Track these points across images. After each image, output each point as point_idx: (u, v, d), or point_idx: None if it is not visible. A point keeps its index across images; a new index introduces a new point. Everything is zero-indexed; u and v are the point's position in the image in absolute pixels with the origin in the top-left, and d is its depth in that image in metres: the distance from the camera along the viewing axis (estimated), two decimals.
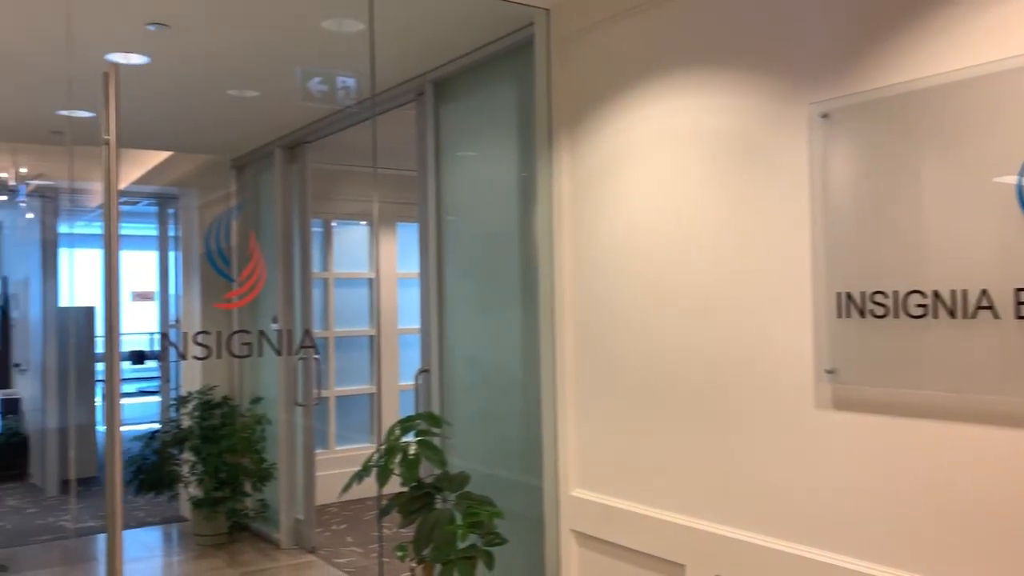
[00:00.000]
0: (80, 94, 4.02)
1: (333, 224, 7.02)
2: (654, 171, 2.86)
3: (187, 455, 5.82)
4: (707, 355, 2.66)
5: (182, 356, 6.01)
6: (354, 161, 6.50)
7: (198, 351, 3.91)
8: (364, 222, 7.25)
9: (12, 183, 6.36)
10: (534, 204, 3.46)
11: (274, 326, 5.68)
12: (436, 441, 3.39)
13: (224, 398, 6.16)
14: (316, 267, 6.82)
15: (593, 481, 3.13)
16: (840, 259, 2.27)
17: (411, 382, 7.07)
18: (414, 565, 3.26)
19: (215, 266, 4.15)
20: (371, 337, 7.15)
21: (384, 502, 3.40)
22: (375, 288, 7.19)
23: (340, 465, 6.81)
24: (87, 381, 7.92)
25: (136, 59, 3.68)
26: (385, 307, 7.17)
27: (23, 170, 6.28)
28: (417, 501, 3.31)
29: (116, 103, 2.34)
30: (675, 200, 2.78)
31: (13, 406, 8.50)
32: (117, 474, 2.35)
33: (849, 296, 2.25)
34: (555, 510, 3.26)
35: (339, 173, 6.77)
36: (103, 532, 6.09)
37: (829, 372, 2.31)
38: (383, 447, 3.35)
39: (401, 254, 7.28)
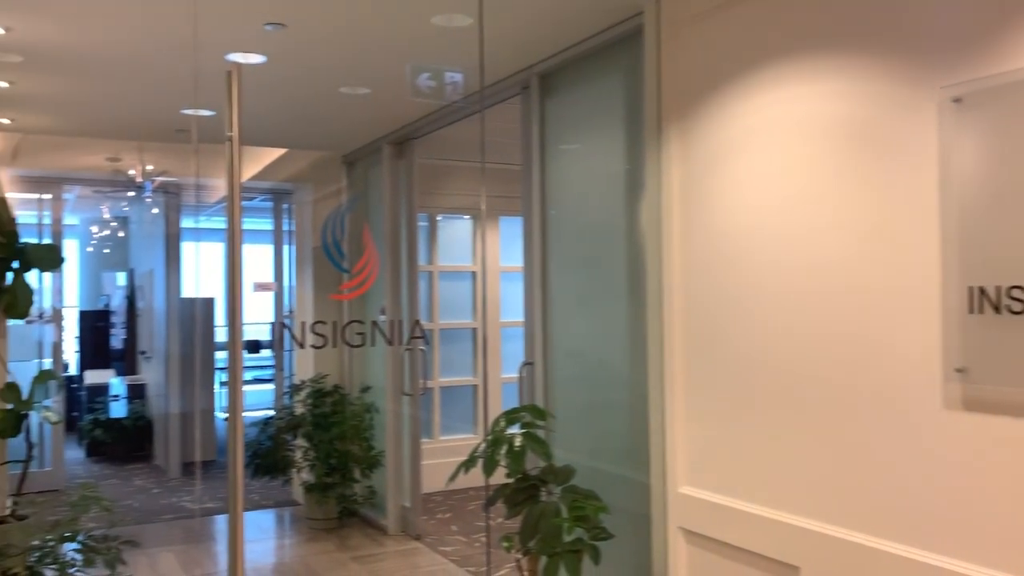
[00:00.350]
0: (202, 94, 4.21)
1: (438, 218, 7.13)
2: (768, 161, 2.78)
3: (300, 441, 6.04)
4: (825, 351, 2.57)
5: (300, 345, 6.25)
6: (458, 156, 6.59)
7: (315, 340, 4.04)
8: (468, 216, 7.34)
9: (139, 179, 6.73)
10: (641, 196, 3.41)
11: (382, 317, 5.82)
12: (540, 434, 3.39)
13: (335, 387, 6.36)
14: (421, 260, 6.94)
15: (702, 479, 3.07)
16: (973, 252, 2.15)
17: (513, 375, 7.14)
18: (519, 556, 3.28)
19: (331, 258, 4.28)
20: (474, 330, 7.24)
21: (490, 493, 3.44)
22: (479, 281, 7.26)
23: (444, 455, 6.92)
24: (207, 368, 8.32)
25: (254, 59, 3.82)
26: (488, 300, 7.24)
27: (149, 167, 6.63)
28: (522, 493, 3.33)
29: (239, 101, 2.43)
30: (791, 191, 2.69)
31: (139, 391, 9.01)
32: (239, 458, 2.45)
33: (982, 291, 2.12)
34: (662, 507, 3.22)
35: (444, 168, 6.87)
36: (222, 513, 6.40)
37: (959, 371, 2.19)
38: (489, 438, 3.38)
39: (504, 248, 7.33)
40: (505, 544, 3.29)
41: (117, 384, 9.26)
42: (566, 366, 4.01)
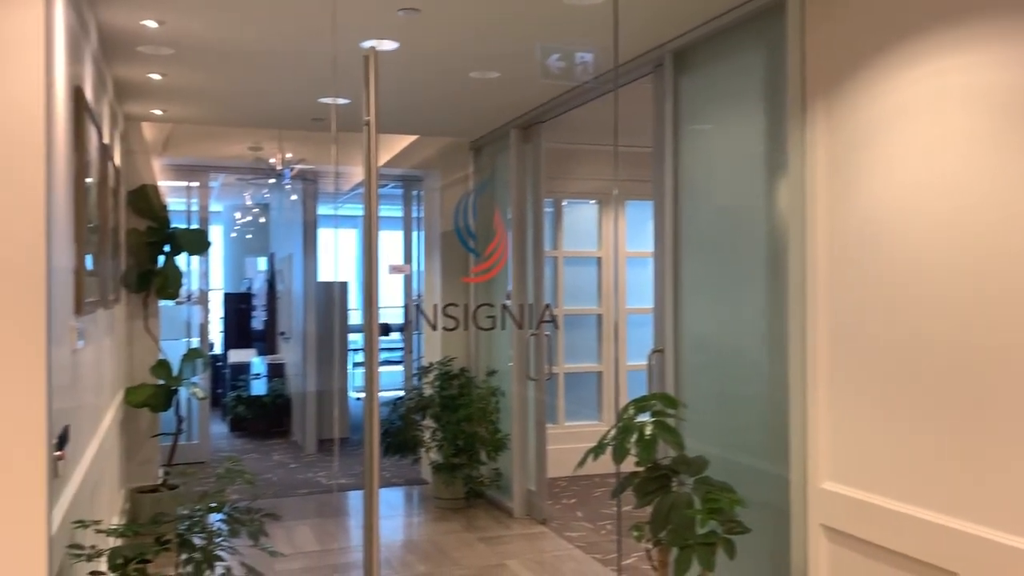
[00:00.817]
0: (337, 82, 4.32)
1: (564, 203, 7.08)
2: (924, 137, 2.58)
3: (428, 422, 6.16)
4: (989, 340, 2.36)
5: (433, 327, 6.39)
6: (585, 140, 6.51)
7: (446, 323, 4.09)
8: (593, 201, 7.26)
9: (278, 167, 7.00)
10: (781, 178, 3.25)
11: (508, 302, 5.84)
12: (671, 422, 3.31)
13: (461, 369, 6.44)
14: (547, 245, 6.91)
15: (847, 474, 2.91)
16: None
17: (638, 362, 7.04)
18: (649, 547, 3.21)
19: (463, 240, 4.31)
20: (599, 316, 7.17)
21: (618, 480, 3.38)
22: (604, 267, 7.18)
23: (569, 440, 6.89)
24: (342, 350, 8.62)
25: (387, 45, 3.88)
26: (612, 286, 7.14)
27: (288, 155, 6.89)
28: (653, 483, 3.25)
29: (376, 85, 2.45)
30: (947, 168, 2.49)
31: (279, 370, 9.44)
32: (375, 436, 2.49)
33: None
34: (803, 502, 3.07)
35: (570, 152, 6.81)
36: (356, 489, 6.62)
37: None
38: (619, 425, 3.32)
39: (630, 233, 7.21)
40: (635, 533, 3.22)
41: (258, 363, 9.74)
42: (697, 354, 3.89)
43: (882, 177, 2.75)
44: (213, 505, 2.76)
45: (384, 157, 6.98)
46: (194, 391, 5.60)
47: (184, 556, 2.69)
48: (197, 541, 2.73)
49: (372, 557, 2.56)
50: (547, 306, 5.53)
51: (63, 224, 2.69)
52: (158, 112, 5.37)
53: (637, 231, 7.22)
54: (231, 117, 5.59)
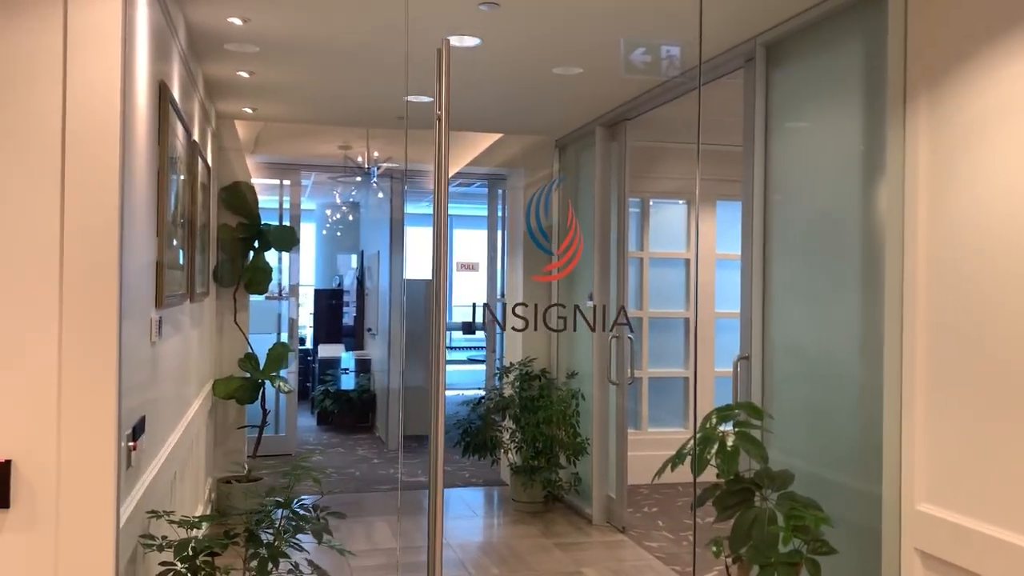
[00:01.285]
0: (419, 79, 4.30)
1: (650, 203, 6.92)
2: None
3: (508, 423, 6.10)
4: None
5: (501, 327, 6.33)
6: (673, 138, 6.34)
7: (515, 323, 4.01)
8: (681, 201, 7.06)
9: (366, 166, 7.07)
10: (879, 178, 3.04)
11: (589, 303, 5.73)
12: (756, 434, 3.14)
13: (542, 371, 6.37)
14: (632, 246, 6.77)
15: (945, 495, 2.69)
16: None
17: (727, 368, 6.80)
18: (729, 562, 3.06)
19: (533, 238, 4.21)
20: (686, 320, 6.97)
21: (699, 492, 3.23)
22: (692, 269, 6.97)
23: (651, 447, 6.72)
24: (426, 347, 8.66)
25: (469, 41, 3.83)
26: (702, 289, 6.93)
27: (375, 153, 6.95)
28: (735, 496, 3.09)
29: (447, 79, 2.39)
30: None
31: (366, 366, 9.57)
32: (439, 437, 2.44)
33: None
34: (896, 525, 2.87)
35: (658, 151, 6.65)
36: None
37: None
38: (699, 435, 3.18)
39: (720, 234, 6.98)
40: (714, 549, 3.07)
41: (347, 358, 9.90)
42: (785, 362, 3.70)
43: (988, 178, 2.53)
44: (280, 501, 2.75)
45: (469, 155, 6.96)
46: (280, 385, 5.70)
47: (251, 551, 2.70)
48: (265, 536, 2.73)
49: (435, 557, 2.50)
50: (622, 308, 5.39)
51: (143, 218, 2.73)
52: (248, 110, 5.48)
53: (728, 232, 6.99)
54: (318, 115, 5.67)
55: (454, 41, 3.77)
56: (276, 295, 7.97)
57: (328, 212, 11.54)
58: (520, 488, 5.86)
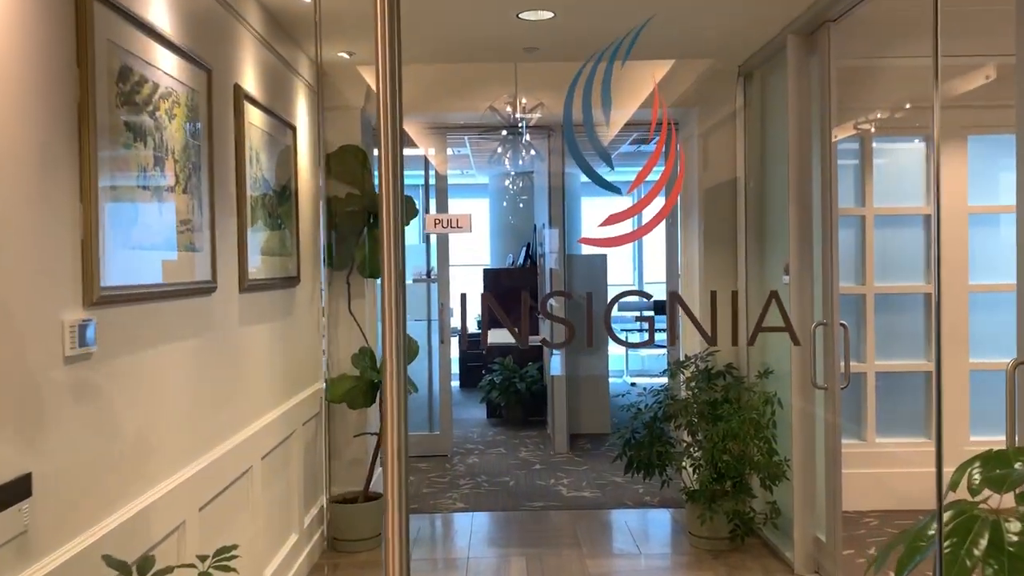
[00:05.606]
0: None
1: (872, 143, 5.23)
2: None
3: (681, 433, 4.81)
4: None
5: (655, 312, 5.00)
6: (897, 47, 4.63)
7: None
8: (918, 139, 5.33)
9: (515, 116, 5.94)
10: None
11: (785, 279, 4.27)
12: None
13: (727, 366, 4.98)
14: (847, 201, 5.16)
15: None
16: None
17: (987, 359, 5.04)
18: None
19: (577, 159, 2.59)
20: (926, 295, 5.25)
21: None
22: (933, 228, 5.23)
23: (881, 462, 5.14)
24: (600, 330, 7.47)
25: None
26: (948, 255, 5.19)
27: (522, 100, 5.80)
28: None
29: None
30: None
31: (537, 353, 8.54)
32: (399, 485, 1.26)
33: None
34: None
35: (875, 68, 4.97)
36: (601, 507, 5.43)
37: None
38: (950, 507, 1.79)
39: (974, 180, 5.19)
40: None
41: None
42: None
43: None
44: None
45: (632, 102, 5.63)
46: None
47: None
48: None
49: None
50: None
51: (28, 178, 1.77)
52: (344, 55, 4.53)
53: (985, 177, 5.19)
54: (429, 52, 4.60)
55: None
56: (425, 277, 7.10)
57: (506, 184, 10.60)
58: (696, 519, 4.53)
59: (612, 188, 2.45)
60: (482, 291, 10.02)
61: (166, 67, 2.57)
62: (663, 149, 2.60)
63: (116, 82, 2.23)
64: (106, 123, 2.17)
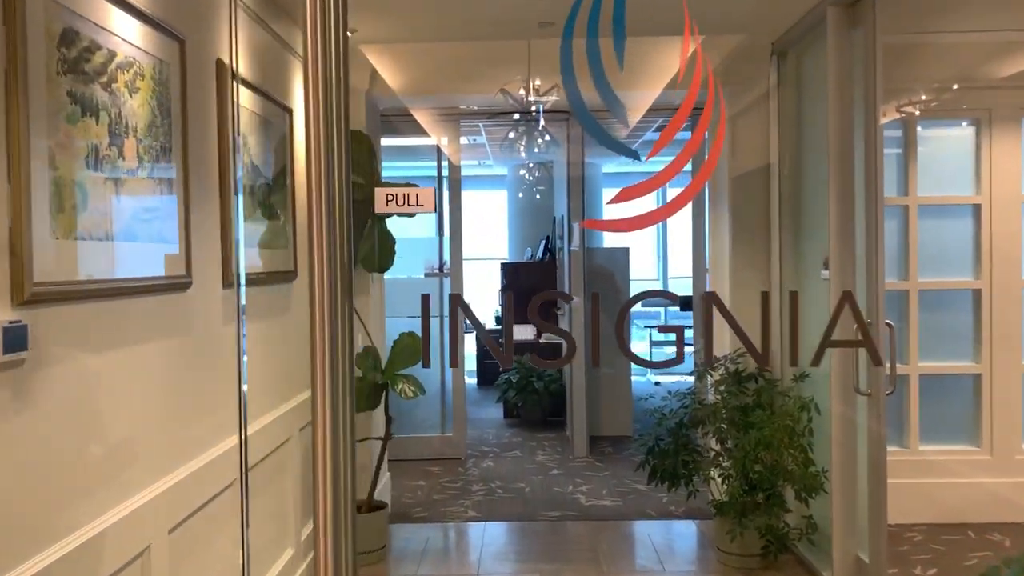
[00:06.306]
0: None
1: (918, 127, 4.84)
2: None
3: (709, 440, 4.46)
4: None
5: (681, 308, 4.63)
6: (946, 21, 4.24)
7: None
8: (967, 122, 4.93)
9: (528, 99, 5.59)
10: None
11: (824, 273, 3.90)
12: None
13: (759, 369, 4.61)
14: (891, 190, 4.78)
15: None
16: None
17: None
18: None
19: (586, 122, 2.13)
20: (976, 291, 4.86)
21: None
22: (984, 219, 4.84)
23: (927, 472, 4.77)
24: (621, 326, 7.13)
25: None
26: (1000, 247, 4.80)
27: (536, 82, 5.45)
28: None
29: None
30: None
31: (556, 351, 8.20)
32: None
33: None
34: None
35: (925, 46, 4.59)
36: (622, 518, 5.08)
37: None
38: None
39: None
40: None
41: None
42: None
43: None
44: None
45: (656, 82, 5.27)
46: (403, 389, 4.44)
47: None
48: None
49: None
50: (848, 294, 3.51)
51: None
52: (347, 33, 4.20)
53: None
54: (433, 30, 4.26)
55: None
56: (437, 272, 6.79)
57: (523, 174, 10.26)
58: (724, 534, 4.18)
59: (627, 151, 2.02)
60: (501, 288, 9.70)
61: (126, 34, 2.26)
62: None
63: (57, 46, 1.93)
64: (42, 93, 1.86)
